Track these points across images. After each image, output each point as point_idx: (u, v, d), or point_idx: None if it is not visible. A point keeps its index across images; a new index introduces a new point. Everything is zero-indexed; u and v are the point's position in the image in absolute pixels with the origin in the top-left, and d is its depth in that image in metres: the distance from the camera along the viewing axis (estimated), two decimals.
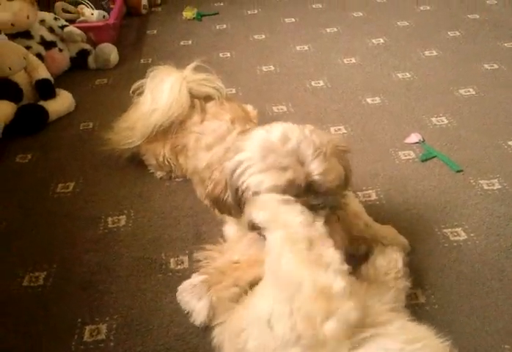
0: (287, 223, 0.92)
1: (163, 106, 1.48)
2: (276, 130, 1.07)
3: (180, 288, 1.17)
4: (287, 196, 0.98)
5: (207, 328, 1.10)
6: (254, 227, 1.05)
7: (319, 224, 0.92)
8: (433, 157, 1.65)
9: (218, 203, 1.14)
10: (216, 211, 1.23)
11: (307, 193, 1.02)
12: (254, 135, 1.10)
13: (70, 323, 1.20)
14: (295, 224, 0.91)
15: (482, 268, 1.27)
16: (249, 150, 1.06)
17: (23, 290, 1.30)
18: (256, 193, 1.03)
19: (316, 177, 1.01)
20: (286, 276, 0.85)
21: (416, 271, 1.25)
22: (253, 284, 0.98)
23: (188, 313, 1.15)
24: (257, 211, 0.97)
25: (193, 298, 1.12)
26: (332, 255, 0.86)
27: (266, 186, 1.01)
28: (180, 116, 1.49)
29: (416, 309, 1.16)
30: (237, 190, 1.07)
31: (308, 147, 1.02)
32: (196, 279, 1.15)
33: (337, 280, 0.82)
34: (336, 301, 0.79)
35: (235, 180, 1.06)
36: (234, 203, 1.10)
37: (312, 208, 1.00)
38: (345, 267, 0.86)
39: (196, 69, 1.59)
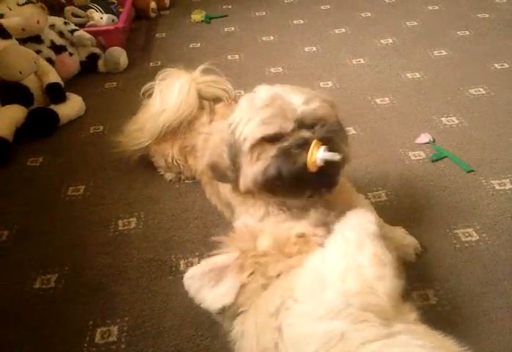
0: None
1: (172, 107, 1.49)
2: (261, 90, 1.13)
3: (192, 272, 1.00)
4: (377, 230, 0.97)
5: (218, 330, 1.10)
6: (268, 187, 1.07)
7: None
8: (444, 157, 1.64)
9: (215, 168, 1.18)
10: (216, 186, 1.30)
11: (300, 129, 1.04)
12: (243, 98, 1.16)
13: (81, 325, 1.21)
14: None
15: (494, 269, 1.25)
16: (238, 109, 1.13)
17: (34, 292, 1.31)
18: (253, 144, 1.05)
19: (302, 107, 1.04)
20: (352, 237, 0.90)
21: (427, 272, 1.24)
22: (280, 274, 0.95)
23: (199, 302, 1.00)
24: (345, 227, 0.97)
25: (211, 281, 0.96)
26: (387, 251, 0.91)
27: (259, 129, 1.04)
28: (189, 116, 1.50)
29: (427, 310, 1.14)
30: (233, 147, 1.10)
31: (287, 88, 1.10)
32: (223, 256, 0.99)
33: (391, 259, 0.88)
34: (388, 269, 0.85)
35: (230, 136, 1.11)
36: (230, 163, 1.12)
37: (306, 142, 1.01)
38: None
39: (205, 71, 1.60)
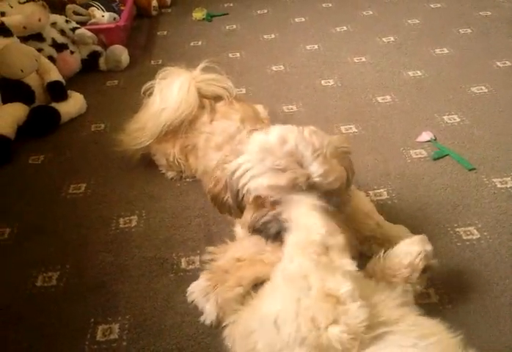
0: (309, 227, 0.92)
1: (173, 105, 1.49)
2: (274, 133, 1.07)
3: (189, 289, 1.19)
4: (320, 202, 0.98)
5: (218, 328, 1.10)
6: (255, 230, 1.07)
7: (340, 236, 0.91)
8: (445, 155, 1.64)
9: (217, 202, 1.16)
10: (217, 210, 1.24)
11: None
12: (254, 138, 1.10)
13: (82, 323, 1.21)
14: (316, 230, 0.91)
15: (496, 267, 1.25)
16: (247, 153, 1.06)
17: (36, 290, 1.31)
18: (256, 196, 1.03)
19: (317, 179, 1.00)
20: (295, 278, 0.85)
21: None
22: (255, 282, 0.98)
23: (200, 312, 1.15)
24: (289, 209, 0.97)
25: (201, 298, 1.13)
26: (344, 260, 0.87)
27: (266, 186, 1.01)
28: (189, 115, 1.49)
29: (429, 308, 1.14)
30: (237, 192, 1.08)
31: (306, 148, 1.02)
32: (202, 279, 1.16)
33: (345, 283, 0.82)
34: (342, 305, 0.80)
35: (234, 182, 1.07)
36: (234, 204, 1.11)
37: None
38: (355, 268, 0.86)
39: (206, 69, 1.60)
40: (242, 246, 1.13)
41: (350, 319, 0.78)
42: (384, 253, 1.12)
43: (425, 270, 1.09)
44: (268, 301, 0.89)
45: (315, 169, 1.00)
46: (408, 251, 1.09)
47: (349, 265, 0.87)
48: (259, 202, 1.05)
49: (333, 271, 0.84)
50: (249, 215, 1.08)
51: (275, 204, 1.02)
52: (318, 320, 0.78)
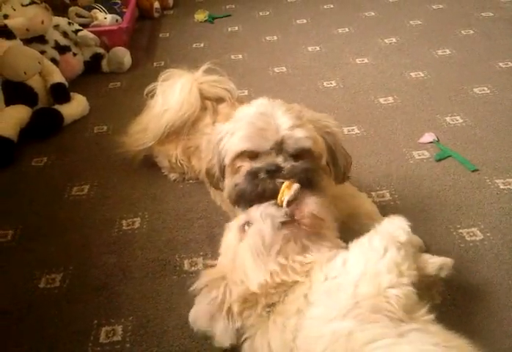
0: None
1: (174, 106, 1.49)
2: (257, 102, 1.13)
3: (191, 319, 1.02)
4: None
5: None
6: (235, 201, 1.09)
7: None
8: (448, 156, 1.64)
9: (210, 176, 1.19)
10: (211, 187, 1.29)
11: (279, 155, 1.03)
12: (238, 110, 1.16)
13: (85, 325, 1.21)
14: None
15: (499, 268, 1.25)
16: (230, 121, 1.14)
17: (39, 291, 1.31)
18: (233, 157, 1.07)
19: (284, 132, 1.02)
20: (375, 245, 0.91)
21: None
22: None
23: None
24: (375, 233, 0.99)
25: (209, 323, 0.98)
26: (413, 262, 0.93)
27: (239, 144, 1.05)
28: (191, 116, 1.50)
29: (432, 310, 1.14)
30: (219, 157, 1.12)
31: (280, 107, 1.07)
32: (201, 304, 1.00)
33: (414, 271, 0.90)
34: (405, 279, 0.86)
35: (217, 146, 1.12)
36: (218, 173, 1.15)
37: (276, 171, 1.01)
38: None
39: (209, 71, 1.60)
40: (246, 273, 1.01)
41: (405, 293, 0.84)
42: None
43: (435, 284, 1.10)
44: (333, 263, 0.91)
45: (284, 121, 1.03)
46: (433, 261, 1.09)
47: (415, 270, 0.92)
48: (235, 165, 1.08)
49: (407, 258, 0.90)
50: (227, 180, 1.12)
51: (251, 158, 1.05)
52: (382, 279, 0.84)
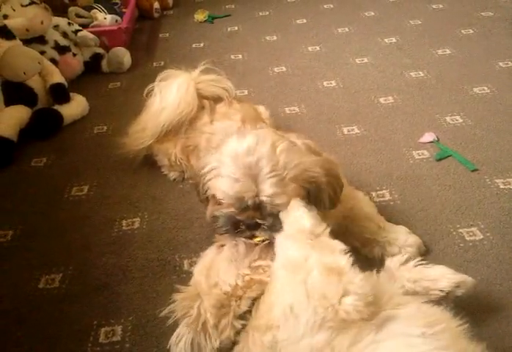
0: (297, 220, 0.99)
1: (171, 105, 1.50)
2: (247, 141, 1.07)
3: (171, 345, 0.96)
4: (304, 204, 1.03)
5: None
6: (214, 230, 1.14)
7: (325, 225, 0.98)
8: (448, 156, 1.63)
9: (196, 189, 1.21)
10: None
11: (256, 211, 1.05)
12: (230, 141, 1.11)
13: (85, 325, 1.21)
14: (304, 221, 0.97)
15: (499, 268, 1.25)
16: (219, 154, 1.09)
17: (39, 292, 1.31)
18: (213, 194, 1.10)
19: (264, 198, 1.02)
20: (296, 262, 0.88)
21: None
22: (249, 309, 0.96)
23: None
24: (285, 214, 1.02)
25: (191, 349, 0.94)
26: (335, 241, 0.92)
27: (219, 192, 1.06)
28: (189, 115, 1.50)
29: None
30: (203, 185, 1.14)
31: (267, 164, 1.02)
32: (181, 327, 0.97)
33: (344, 258, 0.87)
34: (347, 276, 0.83)
35: (200, 177, 1.14)
36: (201, 195, 1.18)
37: (256, 227, 1.05)
38: (345, 247, 0.91)
39: (207, 71, 1.60)
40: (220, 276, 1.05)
41: (357, 288, 0.81)
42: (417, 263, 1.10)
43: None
44: (276, 297, 0.89)
45: (265, 188, 1.01)
46: (451, 277, 1.06)
47: (341, 244, 0.91)
48: (216, 199, 1.10)
49: (330, 249, 0.89)
50: (209, 208, 1.16)
51: (227, 205, 1.07)
52: (329, 295, 0.81)
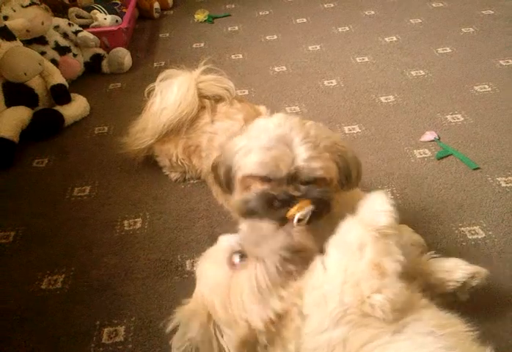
0: (376, 212, 0.93)
1: (172, 105, 1.49)
2: (274, 118, 1.11)
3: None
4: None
5: None
6: (244, 215, 1.08)
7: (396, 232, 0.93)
8: (449, 155, 1.63)
9: (214, 170, 1.19)
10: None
11: (291, 183, 1.02)
12: (256, 122, 1.15)
13: (88, 326, 1.21)
14: (382, 217, 0.92)
15: (501, 267, 1.25)
16: (246, 134, 1.11)
17: (41, 293, 1.31)
18: (244, 176, 1.06)
19: (300, 163, 1.01)
20: (351, 246, 0.86)
21: None
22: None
23: None
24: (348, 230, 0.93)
25: None
26: (398, 251, 0.87)
27: (252, 166, 1.04)
28: (189, 115, 1.50)
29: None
30: (229, 169, 1.11)
31: (298, 134, 1.04)
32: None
33: (395, 265, 0.83)
34: (388, 279, 0.81)
35: (228, 159, 1.11)
36: (224, 180, 1.15)
37: (290, 201, 1.00)
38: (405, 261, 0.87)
39: (208, 70, 1.60)
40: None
41: (392, 293, 0.80)
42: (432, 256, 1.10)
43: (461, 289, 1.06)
44: (315, 273, 0.87)
45: (301, 152, 1.01)
46: (465, 268, 1.05)
47: (400, 255, 0.87)
48: (246, 183, 1.07)
49: (388, 251, 0.85)
50: (236, 194, 1.11)
51: (262, 181, 1.04)
52: (364, 286, 0.80)
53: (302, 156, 1.01)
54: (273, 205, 1.02)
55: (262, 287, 0.86)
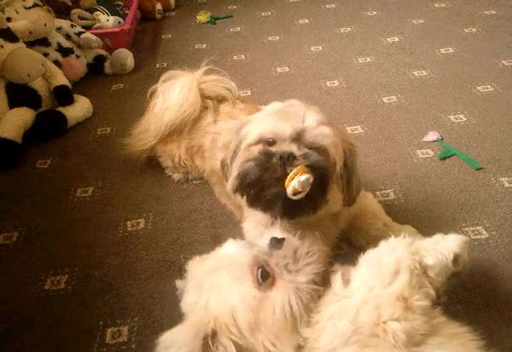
0: (424, 246, 0.94)
1: (175, 105, 1.50)
2: (289, 101, 1.13)
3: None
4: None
5: None
6: (238, 186, 1.04)
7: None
8: (452, 155, 1.63)
9: (222, 165, 1.19)
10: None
11: (294, 143, 1.00)
12: (270, 104, 1.17)
13: (91, 326, 1.21)
14: (428, 258, 0.92)
15: (504, 267, 1.25)
16: (258, 113, 1.16)
17: (45, 293, 1.31)
18: (250, 140, 1.06)
19: (310, 124, 1.01)
20: (385, 268, 0.85)
21: None
22: None
23: None
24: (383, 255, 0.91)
25: None
26: (432, 294, 0.87)
27: (262, 121, 1.06)
28: (192, 115, 1.50)
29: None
30: (238, 144, 1.10)
31: (315, 108, 1.07)
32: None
33: (426, 300, 0.83)
34: (411, 314, 0.79)
35: (237, 133, 1.12)
36: (229, 161, 1.13)
37: (291, 158, 0.97)
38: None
39: (210, 71, 1.60)
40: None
41: (411, 327, 0.78)
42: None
43: (453, 276, 0.98)
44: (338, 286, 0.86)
45: (313, 115, 1.03)
46: (442, 250, 0.95)
47: (433, 291, 0.87)
48: (250, 151, 1.05)
49: (421, 286, 0.84)
50: (235, 168, 1.08)
51: (270, 144, 1.03)
52: (383, 311, 0.78)
53: (313, 118, 1.02)
54: (271, 163, 0.99)
55: (296, 313, 0.83)
